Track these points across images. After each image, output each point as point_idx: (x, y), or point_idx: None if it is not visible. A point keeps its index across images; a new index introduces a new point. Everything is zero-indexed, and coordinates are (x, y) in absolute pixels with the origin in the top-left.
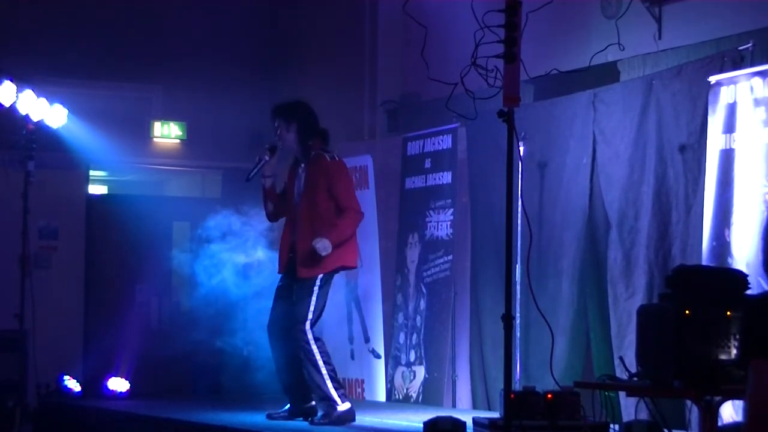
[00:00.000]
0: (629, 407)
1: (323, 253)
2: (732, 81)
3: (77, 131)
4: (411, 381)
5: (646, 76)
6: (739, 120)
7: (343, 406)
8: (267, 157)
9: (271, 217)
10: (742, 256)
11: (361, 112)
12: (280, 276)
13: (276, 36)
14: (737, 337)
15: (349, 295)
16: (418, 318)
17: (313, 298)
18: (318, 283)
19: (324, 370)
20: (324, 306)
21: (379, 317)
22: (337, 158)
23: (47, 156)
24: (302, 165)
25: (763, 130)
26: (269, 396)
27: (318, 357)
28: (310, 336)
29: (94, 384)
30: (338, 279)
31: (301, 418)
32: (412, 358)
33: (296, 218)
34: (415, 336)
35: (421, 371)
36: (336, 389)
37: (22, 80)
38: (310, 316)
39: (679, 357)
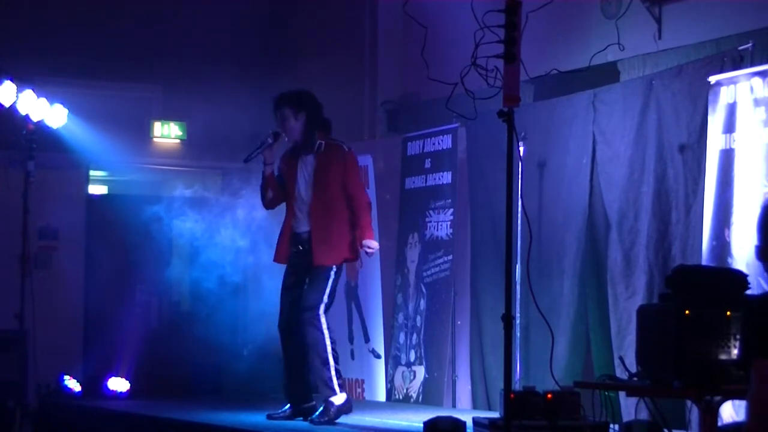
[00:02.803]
0: (629, 407)
1: (374, 252)
2: (732, 81)
3: (77, 131)
4: (411, 381)
5: (646, 76)
6: (739, 120)
7: (339, 398)
8: (270, 140)
9: (269, 204)
10: (742, 256)
11: (361, 112)
12: (284, 272)
13: (276, 36)
14: (737, 337)
15: (349, 295)
16: (418, 318)
17: (329, 284)
18: (334, 269)
19: (331, 358)
20: (335, 295)
21: (379, 317)
22: (351, 149)
23: (47, 156)
24: (306, 155)
25: (763, 130)
26: (269, 396)
27: (328, 343)
28: (323, 320)
29: (94, 384)
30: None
31: (301, 418)
32: (412, 358)
33: (305, 208)
34: (415, 336)
35: (421, 371)
36: (337, 378)
37: (22, 80)
38: (325, 299)
39: (679, 357)
